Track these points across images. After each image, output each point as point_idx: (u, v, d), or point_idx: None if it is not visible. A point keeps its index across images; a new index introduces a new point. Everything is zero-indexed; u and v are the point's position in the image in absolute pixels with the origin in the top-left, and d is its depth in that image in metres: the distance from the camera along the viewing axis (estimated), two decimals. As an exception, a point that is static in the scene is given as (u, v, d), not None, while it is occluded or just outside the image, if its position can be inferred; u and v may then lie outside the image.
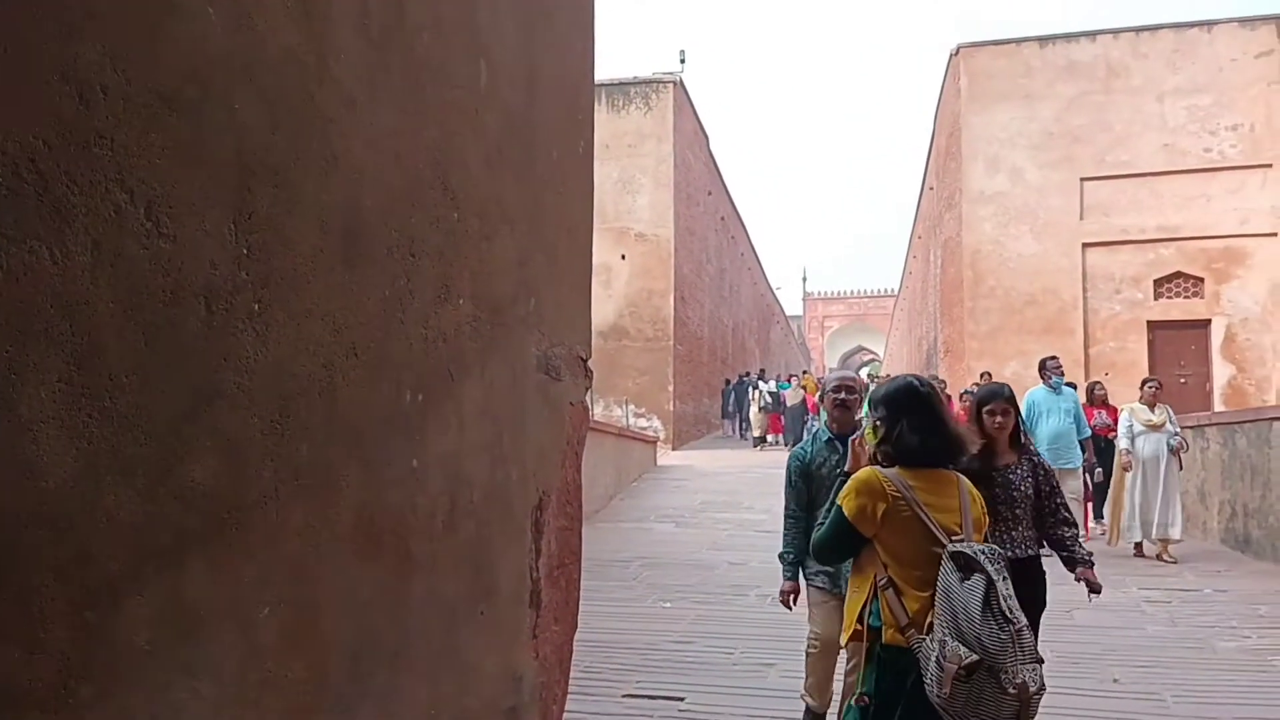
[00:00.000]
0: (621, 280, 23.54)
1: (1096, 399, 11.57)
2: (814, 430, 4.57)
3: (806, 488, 4.43)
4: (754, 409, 25.03)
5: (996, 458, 4.27)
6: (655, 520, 12.45)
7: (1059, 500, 4.30)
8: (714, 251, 30.46)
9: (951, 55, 22.86)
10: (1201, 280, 20.50)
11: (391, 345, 1.67)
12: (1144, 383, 10.31)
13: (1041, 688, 2.60)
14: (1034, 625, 3.80)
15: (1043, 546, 4.26)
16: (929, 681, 2.58)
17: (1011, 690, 2.52)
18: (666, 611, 7.43)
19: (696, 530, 11.73)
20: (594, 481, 13.02)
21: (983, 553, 2.70)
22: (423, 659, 1.73)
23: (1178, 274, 20.64)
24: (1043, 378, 10.11)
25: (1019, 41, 21.82)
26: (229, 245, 1.32)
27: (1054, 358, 10.45)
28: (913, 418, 2.91)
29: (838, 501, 2.94)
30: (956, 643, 2.55)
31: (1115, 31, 21.18)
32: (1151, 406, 9.82)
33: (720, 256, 31.83)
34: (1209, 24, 20.61)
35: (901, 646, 2.72)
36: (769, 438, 24.50)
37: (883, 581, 2.81)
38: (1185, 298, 20.70)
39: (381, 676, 1.59)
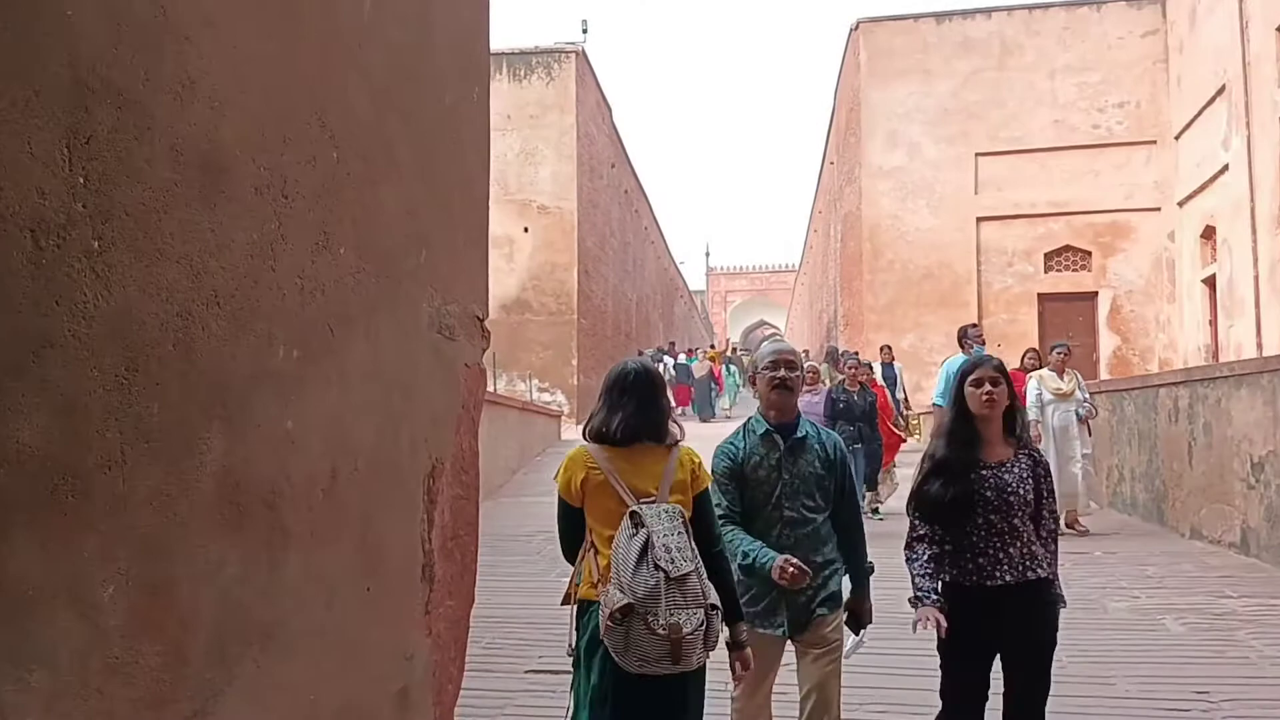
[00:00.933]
0: (524, 253, 23.26)
1: (1028, 368, 10.94)
2: (747, 423, 3.69)
3: (739, 493, 3.53)
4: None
5: (984, 449, 3.37)
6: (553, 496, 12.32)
7: (1049, 510, 3.44)
8: (617, 225, 30.33)
9: (851, 30, 23.08)
10: (1089, 254, 21.18)
11: (261, 295, 1.50)
12: (1052, 348, 9.77)
13: (699, 630, 2.84)
14: (1041, 669, 3.33)
15: (1053, 565, 3.41)
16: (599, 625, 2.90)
17: (661, 631, 2.80)
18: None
19: (601, 503, 11.64)
20: (496, 456, 12.85)
21: (654, 512, 2.96)
22: (300, 639, 1.59)
23: (1066, 247, 21.28)
24: (962, 347, 9.98)
25: (917, 18, 22.13)
26: (60, 171, 1.15)
27: (975, 325, 10.39)
28: (620, 398, 3.17)
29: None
30: (615, 590, 2.85)
31: (1010, 9, 21.64)
32: (1060, 373, 9.42)
33: (624, 230, 31.72)
34: (1098, 3, 21.19)
35: (592, 599, 3.01)
36: (678, 409, 24.63)
37: (587, 545, 3.12)
38: (1073, 271, 21.36)
39: (251, 659, 1.44)
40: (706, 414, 24.12)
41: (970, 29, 21.73)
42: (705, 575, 2.96)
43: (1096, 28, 21.08)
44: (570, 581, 3.20)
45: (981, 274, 21.38)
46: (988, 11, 21.78)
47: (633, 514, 2.95)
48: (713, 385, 25.65)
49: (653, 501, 3.01)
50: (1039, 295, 21.25)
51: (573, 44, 23.52)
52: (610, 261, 28.73)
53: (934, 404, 11.04)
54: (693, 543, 2.99)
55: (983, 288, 21.38)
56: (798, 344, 48.25)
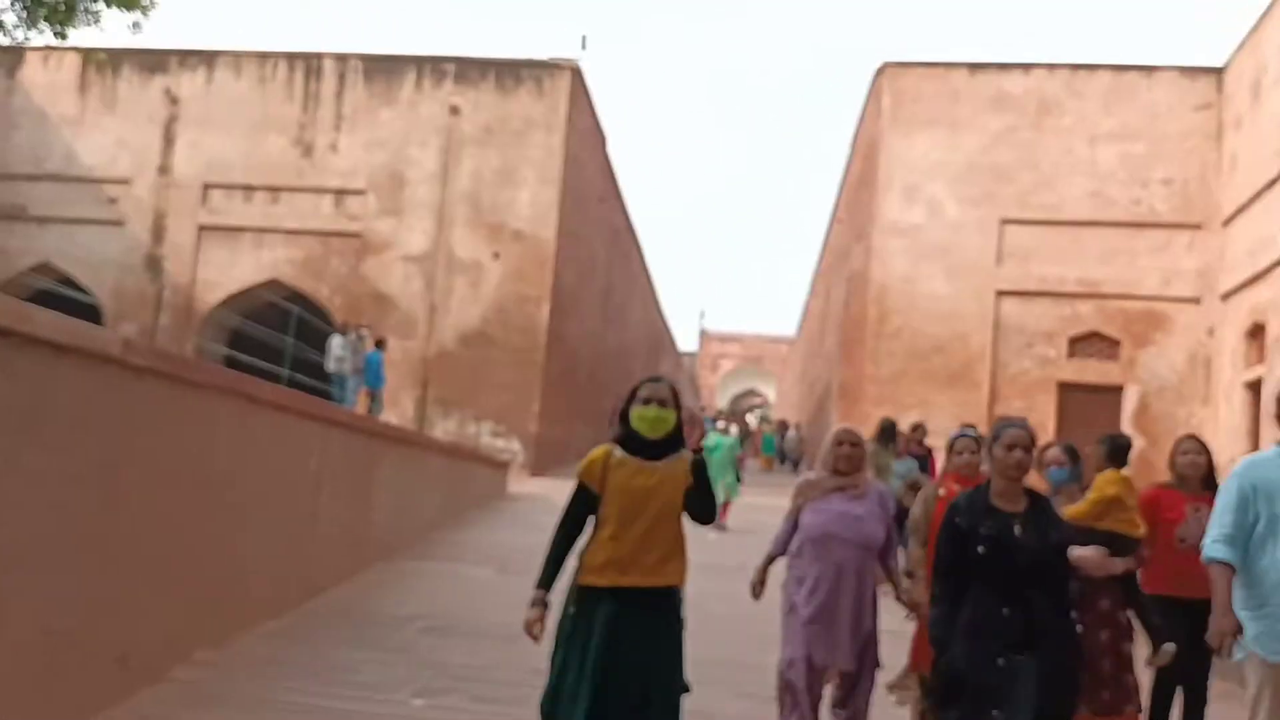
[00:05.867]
0: (492, 281, 20.96)
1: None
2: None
3: None
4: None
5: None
6: (475, 562, 9.85)
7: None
8: (603, 264, 28.12)
9: (876, 73, 21.09)
10: (1119, 343, 18.98)
11: None
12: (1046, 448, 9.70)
13: None
14: None
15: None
16: None
17: None
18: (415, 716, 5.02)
19: (522, 579, 9.06)
20: (408, 509, 10.40)
21: None
22: None
23: (1094, 333, 19.09)
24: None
25: (948, 66, 20.15)
26: None
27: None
28: None
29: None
30: None
31: (1051, 66, 19.67)
32: None
33: (610, 271, 29.52)
34: (1149, 69, 19.23)
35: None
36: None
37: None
38: (1100, 360, 19.13)
39: None
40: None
41: (1006, 83, 19.73)
42: None
43: (1146, 94, 19.09)
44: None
45: (998, 353, 19.12)
46: (1026, 66, 19.80)
47: None
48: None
49: None
50: (1059, 383, 18.96)
51: (568, 59, 21.46)
52: (590, 303, 26.46)
53: None
54: None
55: (998, 368, 19.11)
56: (788, 415, 45.97)
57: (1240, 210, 17.31)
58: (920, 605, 4.87)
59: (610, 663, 3.68)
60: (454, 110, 21.22)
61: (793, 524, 4.82)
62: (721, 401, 65.58)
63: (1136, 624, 4.76)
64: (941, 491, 5.34)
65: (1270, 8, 16.35)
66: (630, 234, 34.23)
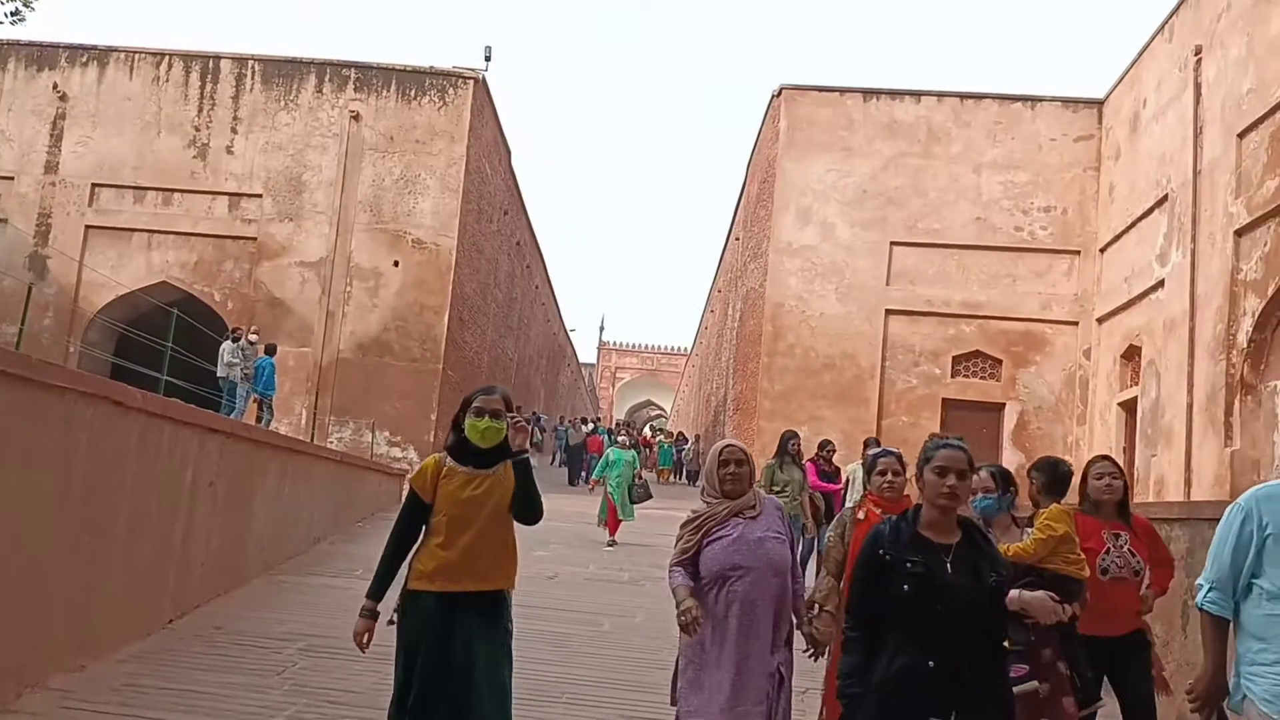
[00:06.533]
0: (391, 289, 20.74)
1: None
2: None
3: None
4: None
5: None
6: (363, 576, 9.51)
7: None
8: (505, 276, 28.04)
9: (773, 96, 21.53)
10: (1000, 362, 19.70)
11: None
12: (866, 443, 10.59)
13: None
14: None
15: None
16: None
17: None
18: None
19: (409, 595, 9.12)
20: (293, 520, 10.25)
21: None
22: None
23: (977, 353, 19.78)
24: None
25: (843, 91, 20.68)
26: None
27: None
28: None
29: None
30: None
31: (940, 94, 20.35)
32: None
33: (511, 283, 29.44)
34: (1033, 100, 20.05)
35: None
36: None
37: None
38: (982, 378, 19.84)
39: None
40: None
41: (898, 111, 20.35)
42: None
43: (1029, 125, 19.90)
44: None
45: (886, 371, 19.67)
46: (917, 94, 20.45)
47: None
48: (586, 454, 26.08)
49: None
50: (944, 400, 19.60)
51: (472, 70, 21.39)
52: (491, 314, 26.35)
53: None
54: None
55: (885, 385, 19.65)
56: (684, 428, 46.32)
57: (1116, 238, 18.13)
58: (825, 643, 4.36)
59: (441, 666, 3.80)
60: (355, 116, 20.96)
61: (693, 567, 4.06)
62: (619, 412, 65.79)
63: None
64: (861, 515, 4.77)
65: (1148, 44, 17.17)
66: (533, 246, 34.19)
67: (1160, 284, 15.56)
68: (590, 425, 30.72)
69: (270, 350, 17.14)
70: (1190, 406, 13.92)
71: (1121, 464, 17.35)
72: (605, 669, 6.76)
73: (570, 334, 53.16)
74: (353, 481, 13.45)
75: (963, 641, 3.05)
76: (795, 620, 4.19)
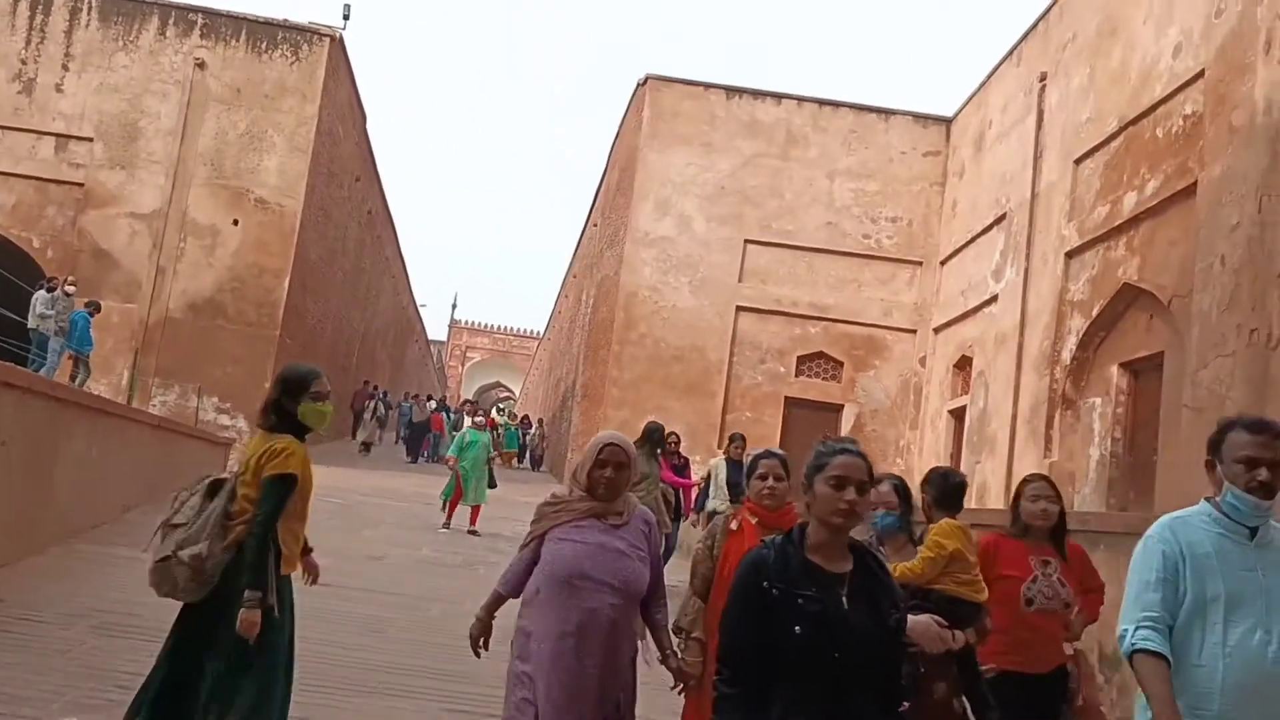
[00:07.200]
0: (229, 249, 19.78)
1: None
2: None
3: None
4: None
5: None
6: None
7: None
8: (354, 245, 27.16)
9: (639, 84, 21.46)
10: (842, 364, 20.21)
11: None
12: (730, 439, 10.31)
13: (159, 563, 3.65)
14: None
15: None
16: None
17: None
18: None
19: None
20: (101, 487, 9.59)
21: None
22: None
23: (820, 354, 20.23)
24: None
25: (708, 86, 20.79)
26: None
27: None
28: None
29: None
30: None
31: (800, 99, 20.68)
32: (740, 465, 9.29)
33: (360, 252, 28.55)
34: (887, 112, 20.61)
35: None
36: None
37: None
38: (824, 379, 20.31)
39: None
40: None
41: (759, 111, 20.59)
42: (198, 534, 3.67)
43: (882, 137, 20.45)
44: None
45: (733, 366, 19.91)
46: (779, 97, 20.74)
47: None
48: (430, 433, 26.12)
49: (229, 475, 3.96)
50: (787, 398, 19.99)
51: (330, 28, 20.56)
52: (337, 282, 25.48)
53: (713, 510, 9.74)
54: (211, 509, 3.74)
55: (732, 380, 19.89)
56: (531, 411, 46.05)
57: (956, 252, 18.83)
58: (695, 675, 3.71)
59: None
60: (200, 64, 19.87)
61: (533, 556, 3.57)
62: (468, 392, 64.84)
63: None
64: (735, 524, 4.02)
65: (997, 68, 17.86)
66: (385, 215, 33.27)
67: (994, 299, 16.22)
68: (433, 403, 30.21)
69: (94, 308, 16.04)
70: (1015, 417, 14.56)
71: (947, 468, 18.22)
72: (428, 656, 6.51)
73: (421, 309, 52.10)
74: (173, 449, 12.72)
75: (864, 694, 2.49)
76: (660, 654, 3.65)
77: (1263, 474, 2.83)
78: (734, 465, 10.01)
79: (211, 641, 3.68)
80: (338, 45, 20.74)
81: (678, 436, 11.54)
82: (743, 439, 10.60)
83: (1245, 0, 9.86)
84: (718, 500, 9.87)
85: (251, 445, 3.95)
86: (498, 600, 3.68)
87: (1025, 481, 4.46)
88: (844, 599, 2.55)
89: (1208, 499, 2.97)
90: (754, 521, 3.95)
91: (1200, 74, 10.70)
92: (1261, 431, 2.87)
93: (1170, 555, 2.86)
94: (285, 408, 3.88)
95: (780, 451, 4.23)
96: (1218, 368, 9.53)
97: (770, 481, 4.01)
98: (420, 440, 25.84)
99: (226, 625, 3.62)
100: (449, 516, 13.15)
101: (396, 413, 31.28)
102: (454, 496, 13.16)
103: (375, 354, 35.68)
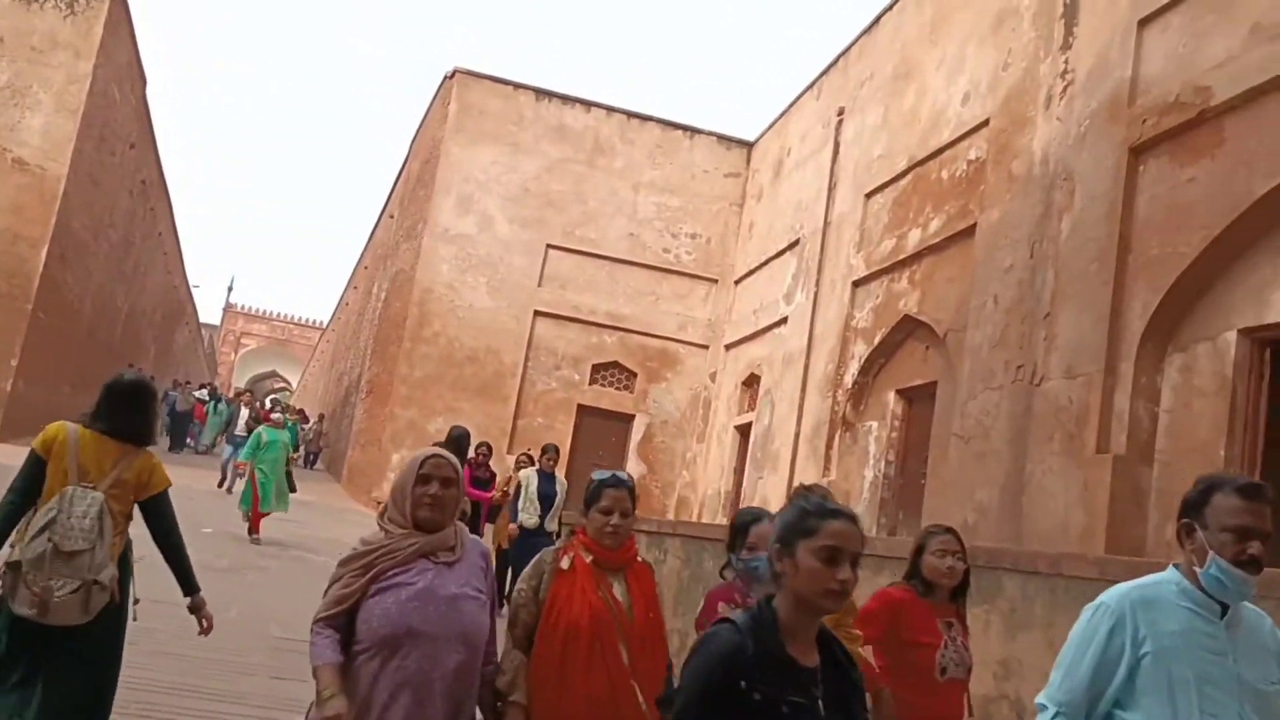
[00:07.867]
0: (-22, 212, 17.89)
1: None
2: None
3: None
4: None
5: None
6: None
7: None
8: (123, 216, 25.19)
9: (446, 77, 21.01)
10: (635, 375, 20.42)
11: None
12: (544, 450, 10.25)
13: (72, 594, 3.63)
14: None
15: None
16: None
17: (35, 589, 3.61)
18: None
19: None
20: None
21: (80, 495, 3.78)
22: None
23: (615, 364, 20.38)
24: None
25: (518, 86, 20.57)
26: None
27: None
28: (118, 401, 4.09)
29: None
30: (18, 547, 3.73)
31: (609, 109, 20.79)
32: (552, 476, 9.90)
33: (130, 225, 26.52)
34: (692, 131, 21.01)
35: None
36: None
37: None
38: (617, 389, 20.46)
39: None
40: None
41: (568, 116, 20.55)
42: (104, 556, 3.76)
43: (686, 154, 20.84)
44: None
45: (528, 370, 19.75)
46: (588, 104, 20.78)
47: (62, 492, 3.75)
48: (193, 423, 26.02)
49: (92, 487, 3.81)
50: (580, 405, 20.00)
51: (112, -20, 19.01)
52: (102, 255, 23.55)
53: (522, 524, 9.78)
54: (105, 528, 3.78)
55: (526, 385, 19.73)
56: (309, 405, 44.17)
57: (751, 273, 19.38)
58: None
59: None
60: (-45, 4, 17.93)
61: (348, 618, 2.94)
62: (240, 380, 61.59)
63: None
64: (565, 563, 3.36)
65: (798, 98, 18.51)
66: (161, 188, 31.09)
67: (784, 320, 16.78)
68: (203, 392, 28.57)
69: None
70: (797, 436, 15.09)
71: (730, 485, 18.72)
72: (185, 672, 5.98)
73: (194, 290, 49.06)
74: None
75: None
76: (480, 714, 3.11)
77: (1254, 546, 2.48)
78: (546, 477, 9.93)
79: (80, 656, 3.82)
80: (120, 2, 19.19)
81: (489, 448, 11.18)
82: (556, 450, 10.40)
83: (1030, 57, 10.60)
84: (527, 514, 9.69)
85: (129, 462, 4.07)
86: (330, 668, 2.87)
87: (929, 534, 3.92)
88: (819, 701, 2.12)
89: (1176, 565, 2.61)
90: (589, 560, 3.36)
91: (985, 123, 11.40)
92: (1255, 498, 2.51)
93: (1117, 637, 2.52)
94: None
95: (628, 478, 3.55)
96: (985, 400, 10.15)
97: (615, 518, 3.37)
98: (184, 430, 25.27)
99: (94, 640, 3.84)
100: (256, 526, 12.09)
101: (162, 401, 29.28)
102: (255, 503, 12.10)
103: (140, 335, 33.27)
